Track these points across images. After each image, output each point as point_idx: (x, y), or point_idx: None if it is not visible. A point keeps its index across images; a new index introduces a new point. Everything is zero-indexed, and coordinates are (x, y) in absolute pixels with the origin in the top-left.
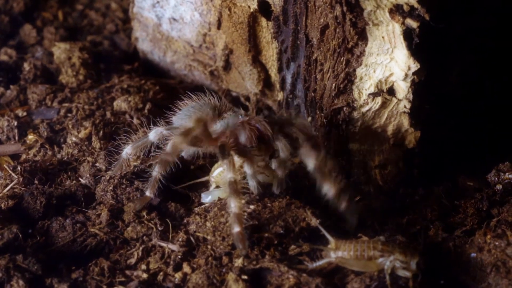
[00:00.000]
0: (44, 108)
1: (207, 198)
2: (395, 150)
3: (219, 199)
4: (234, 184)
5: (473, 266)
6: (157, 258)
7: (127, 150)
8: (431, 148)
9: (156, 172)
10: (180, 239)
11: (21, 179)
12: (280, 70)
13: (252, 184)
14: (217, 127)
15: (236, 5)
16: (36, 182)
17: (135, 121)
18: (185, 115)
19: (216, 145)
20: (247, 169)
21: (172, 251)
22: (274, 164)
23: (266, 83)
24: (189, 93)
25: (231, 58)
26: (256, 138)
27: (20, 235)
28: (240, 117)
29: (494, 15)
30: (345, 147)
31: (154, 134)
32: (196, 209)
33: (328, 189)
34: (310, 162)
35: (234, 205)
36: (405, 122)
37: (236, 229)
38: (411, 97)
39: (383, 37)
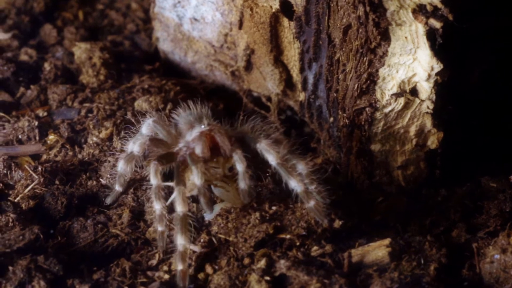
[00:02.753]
0: (64, 108)
1: (209, 215)
2: (418, 150)
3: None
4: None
5: (496, 268)
6: None
7: (131, 146)
8: (454, 148)
9: (159, 208)
10: (202, 240)
11: (42, 179)
12: (302, 70)
13: (202, 201)
14: (187, 136)
15: (258, 5)
16: (57, 182)
17: None
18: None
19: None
20: (196, 179)
21: (194, 252)
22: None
23: (288, 83)
24: (181, 102)
25: (253, 58)
26: (209, 150)
27: (41, 236)
28: (202, 126)
29: None
30: (367, 147)
31: (145, 128)
32: None
33: (296, 186)
34: (271, 159)
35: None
36: (428, 122)
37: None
38: (434, 97)
39: (406, 38)
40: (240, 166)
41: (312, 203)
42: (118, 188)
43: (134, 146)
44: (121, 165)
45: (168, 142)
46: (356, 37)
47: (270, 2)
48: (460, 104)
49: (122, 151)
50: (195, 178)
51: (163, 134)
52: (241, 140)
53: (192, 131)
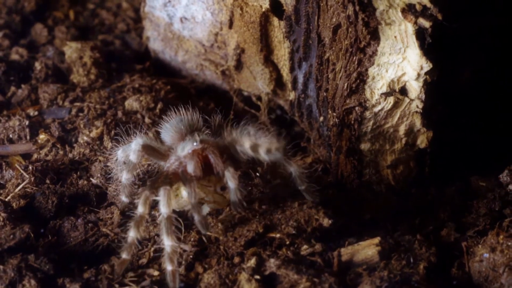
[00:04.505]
0: (55, 108)
1: None
2: (407, 150)
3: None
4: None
5: (485, 267)
6: None
7: (120, 153)
8: (443, 148)
9: (132, 236)
10: (192, 239)
11: (32, 178)
12: (292, 69)
13: (197, 219)
14: (178, 150)
15: (248, 5)
16: (47, 181)
17: (147, 120)
18: (165, 132)
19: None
20: (190, 197)
21: (184, 251)
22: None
23: (278, 82)
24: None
25: (243, 57)
26: (201, 170)
27: (32, 235)
28: (195, 144)
29: (506, 14)
30: (357, 146)
31: (134, 144)
32: None
33: (294, 170)
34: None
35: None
36: (418, 122)
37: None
38: (423, 97)
39: (395, 37)
40: (232, 183)
41: (304, 185)
42: (125, 199)
43: (132, 155)
44: (125, 176)
45: (161, 152)
46: (346, 37)
47: (260, 2)
48: (449, 104)
49: (112, 150)
50: (190, 197)
51: (155, 146)
52: (233, 146)
53: (184, 144)
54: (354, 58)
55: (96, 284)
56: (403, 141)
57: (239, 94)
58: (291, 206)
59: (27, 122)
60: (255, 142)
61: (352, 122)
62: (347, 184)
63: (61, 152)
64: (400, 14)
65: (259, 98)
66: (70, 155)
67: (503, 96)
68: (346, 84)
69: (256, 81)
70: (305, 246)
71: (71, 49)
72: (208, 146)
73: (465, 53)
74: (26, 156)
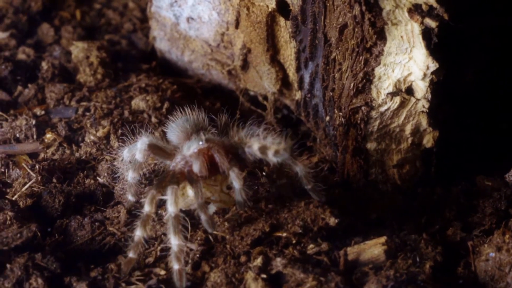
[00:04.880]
0: (62, 107)
1: None
2: (413, 149)
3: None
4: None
5: (491, 266)
6: None
7: (126, 153)
8: (449, 147)
9: (139, 235)
10: (198, 238)
11: (39, 177)
12: (298, 69)
13: (203, 218)
14: (183, 149)
15: (254, 5)
16: (54, 180)
17: (153, 120)
18: (170, 131)
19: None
20: (196, 197)
21: (191, 249)
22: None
23: (284, 82)
24: (177, 108)
25: (249, 57)
26: (207, 170)
27: (39, 234)
28: (200, 143)
29: (506, 15)
30: (363, 146)
31: (140, 143)
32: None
33: (300, 170)
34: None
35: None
36: (424, 121)
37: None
38: (429, 96)
39: (401, 37)
40: (236, 183)
41: (310, 185)
42: (131, 198)
43: (138, 154)
44: (131, 175)
45: (167, 151)
46: (352, 36)
47: (266, 2)
48: (455, 103)
49: (118, 149)
50: (196, 196)
51: (161, 145)
52: (239, 146)
53: (189, 143)
54: (361, 58)
55: (103, 283)
56: (409, 140)
57: (245, 94)
58: (297, 206)
59: (34, 122)
60: (264, 144)
61: (358, 121)
62: (353, 184)
63: (67, 152)
64: (406, 14)
65: (265, 97)
66: (77, 154)
67: (508, 95)
68: (352, 84)
69: (262, 81)
70: (311, 245)
71: (77, 49)
72: (213, 145)
73: (471, 52)
74: (33, 155)
